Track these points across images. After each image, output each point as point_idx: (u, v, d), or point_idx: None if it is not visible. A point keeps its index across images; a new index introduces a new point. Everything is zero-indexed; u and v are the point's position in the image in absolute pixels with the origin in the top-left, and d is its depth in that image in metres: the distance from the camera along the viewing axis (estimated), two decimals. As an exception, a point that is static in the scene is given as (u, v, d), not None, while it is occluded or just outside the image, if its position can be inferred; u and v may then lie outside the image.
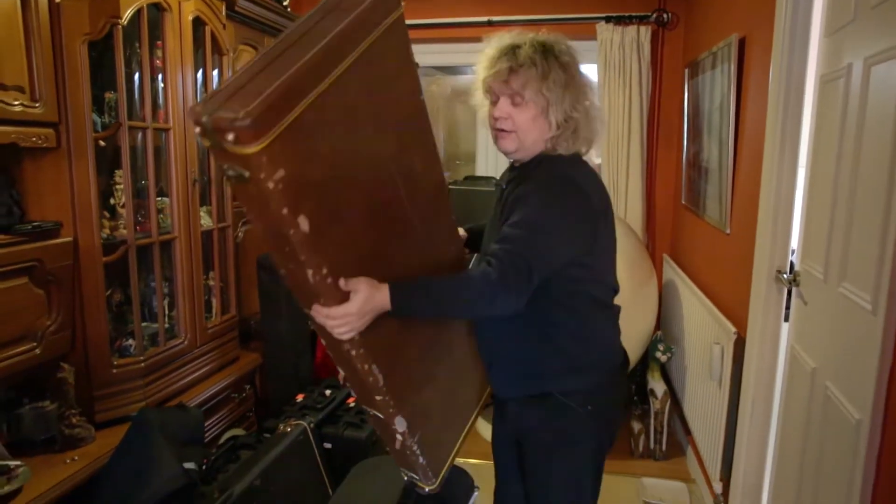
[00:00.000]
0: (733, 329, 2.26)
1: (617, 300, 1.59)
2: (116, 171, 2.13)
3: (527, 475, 1.62)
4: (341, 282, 1.14)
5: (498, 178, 1.65)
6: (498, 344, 1.55)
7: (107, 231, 2.09)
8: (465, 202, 3.48)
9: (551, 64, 1.38)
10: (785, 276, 1.98)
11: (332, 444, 2.33)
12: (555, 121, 1.40)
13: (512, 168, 1.56)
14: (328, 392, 2.60)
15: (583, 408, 1.48)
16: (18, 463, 1.71)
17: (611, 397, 1.56)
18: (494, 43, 1.44)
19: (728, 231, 2.52)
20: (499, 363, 1.58)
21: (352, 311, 1.14)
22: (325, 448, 2.32)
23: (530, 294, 1.31)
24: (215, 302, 2.64)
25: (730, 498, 2.27)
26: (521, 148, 1.46)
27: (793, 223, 2.02)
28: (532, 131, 1.42)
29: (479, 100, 1.52)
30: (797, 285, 1.93)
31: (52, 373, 1.91)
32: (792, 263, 2.01)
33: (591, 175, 1.49)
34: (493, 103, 1.46)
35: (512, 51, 1.40)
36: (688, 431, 2.97)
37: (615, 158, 3.66)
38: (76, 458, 1.86)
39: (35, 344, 1.83)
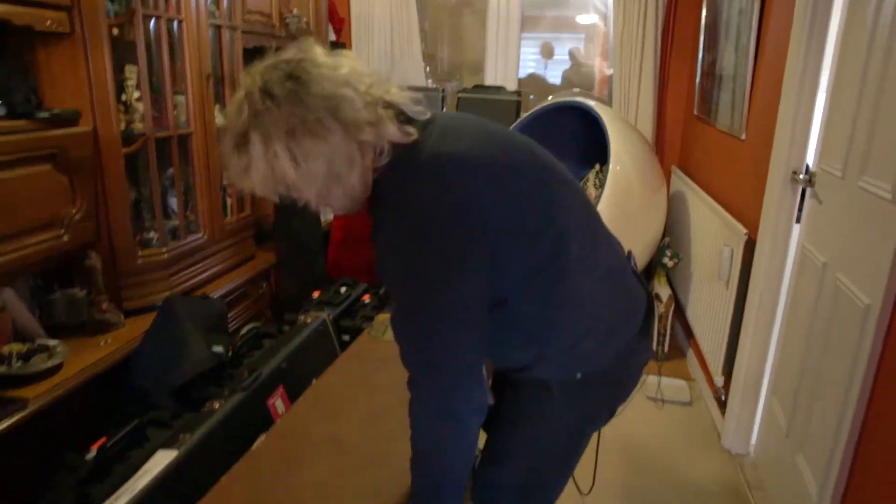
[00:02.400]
0: (744, 231, 2.30)
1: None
2: (126, 66, 2.09)
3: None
4: None
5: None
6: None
7: (122, 125, 2.08)
8: (476, 110, 3.44)
9: (290, 107, 0.95)
10: (801, 176, 2.00)
11: (350, 336, 2.41)
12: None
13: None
14: (343, 289, 2.67)
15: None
16: (57, 342, 1.78)
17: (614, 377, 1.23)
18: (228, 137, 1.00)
19: (743, 137, 2.52)
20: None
21: None
22: (343, 340, 2.41)
23: (476, 378, 1.04)
24: (230, 200, 2.66)
25: (730, 390, 2.38)
26: (354, 203, 1.08)
27: (812, 126, 2.02)
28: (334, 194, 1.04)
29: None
30: (812, 185, 1.96)
31: (79, 261, 1.96)
32: (807, 166, 2.03)
33: (460, 143, 1.04)
34: None
35: (242, 144, 0.98)
36: (689, 335, 3.08)
37: (627, 68, 3.60)
38: (109, 340, 1.93)
39: (62, 231, 1.86)
